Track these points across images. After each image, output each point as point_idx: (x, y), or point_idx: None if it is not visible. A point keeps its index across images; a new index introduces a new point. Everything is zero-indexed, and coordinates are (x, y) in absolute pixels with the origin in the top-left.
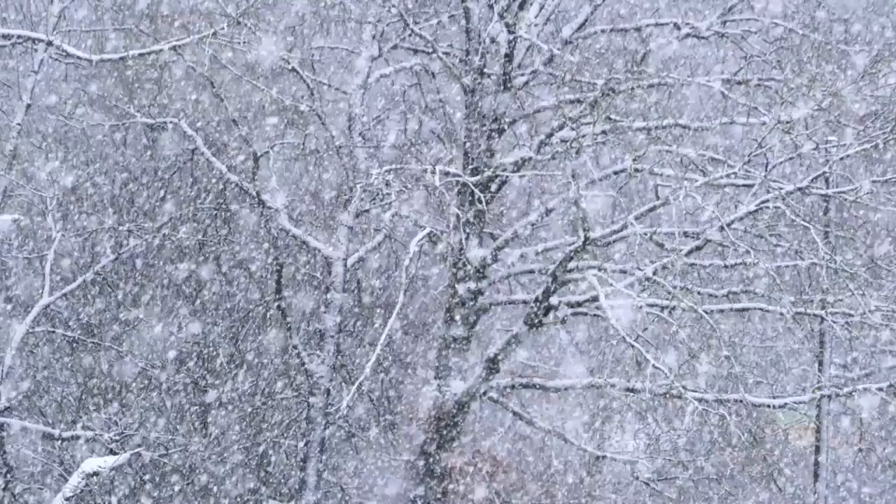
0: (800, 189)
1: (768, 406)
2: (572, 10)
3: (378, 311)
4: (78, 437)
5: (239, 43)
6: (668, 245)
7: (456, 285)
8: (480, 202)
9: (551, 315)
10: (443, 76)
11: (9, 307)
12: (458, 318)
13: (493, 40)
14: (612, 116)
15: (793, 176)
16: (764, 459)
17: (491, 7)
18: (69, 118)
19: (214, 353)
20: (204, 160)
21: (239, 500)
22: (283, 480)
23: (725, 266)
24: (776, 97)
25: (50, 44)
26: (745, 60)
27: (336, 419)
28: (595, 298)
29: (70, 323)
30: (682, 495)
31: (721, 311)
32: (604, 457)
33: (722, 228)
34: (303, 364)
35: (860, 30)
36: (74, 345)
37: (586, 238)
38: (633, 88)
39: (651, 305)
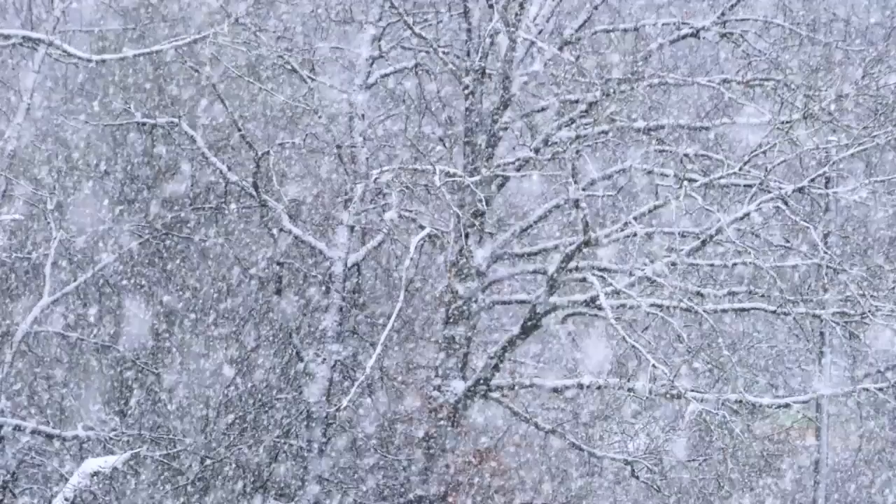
0: (800, 189)
1: (768, 406)
2: (573, 10)
3: (378, 310)
4: (78, 437)
5: (240, 43)
6: (669, 245)
7: (456, 285)
8: (480, 202)
9: (551, 315)
10: (443, 76)
11: (9, 307)
12: (458, 318)
13: (492, 40)
14: (613, 116)
15: (793, 176)
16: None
17: (491, 6)
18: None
19: (215, 353)
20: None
21: (239, 500)
22: (283, 480)
23: (725, 266)
24: (776, 97)
25: (50, 44)
26: (745, 60)
27: (336, 419)
28: (595, 298)
29: (70, 323)
30: (682, 495)
31: (721, 311)
32: (603, 457)
33: (722, 228)
34: (302, 363)
35: (860, 30)
36: (75, 345)
37: (586, 238)
38: (632, 88)
39: (651, 305)
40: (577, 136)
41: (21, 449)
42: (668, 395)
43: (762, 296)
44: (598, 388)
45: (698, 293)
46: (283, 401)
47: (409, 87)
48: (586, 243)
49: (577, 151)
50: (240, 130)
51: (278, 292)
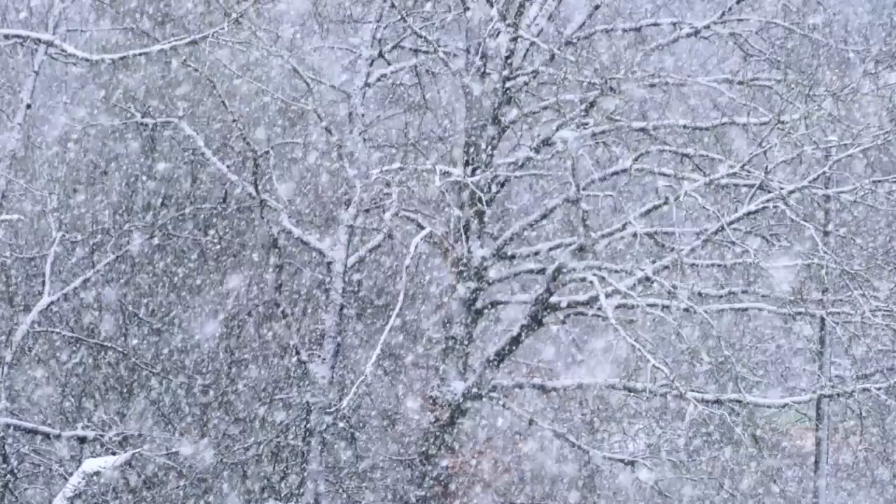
0: (800, 189)
1: (768, 406)
2: (573, 10)
3: (378, 310)
4: (78, 437)
5: (239, 43)
6: (669, 245)
7: (456, 285)
8: (480, 202)
9: (551, 315)
10: (443, 76)
11: (9, 307)
12: (457, 318)
13: (493, 40)
14: (612, 116)
15: (793, 176)
16: (764, 457)
17: (491, 5)
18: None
19: (215, 352)
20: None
21: (239, 500)
22: (283, 480)
23: (725, 266)
24: (776, 97)
25: (50, 44)
26: (745, 60)
27: (336, 419)
28: (595, 298)
29: (70, 323)
30: (682, 496)
31: (721, 310)
32: (604, 457)
33: (722, 228)
34: (303, 364)
35: (860, 30)
36: (75, 345)
37: (586, 238)
38: (632, 88)
39: (651, 305)
40: (577, 136)
41: (21, 449)
42: (668, 395)
43: (762, 296)
44: (598, 388)
45: (698, 293)
46: (282, 401)
47: (409, 87)
48: (586, 243)
49: (577, 151)
50: (240, 131)
51: (278, 292)
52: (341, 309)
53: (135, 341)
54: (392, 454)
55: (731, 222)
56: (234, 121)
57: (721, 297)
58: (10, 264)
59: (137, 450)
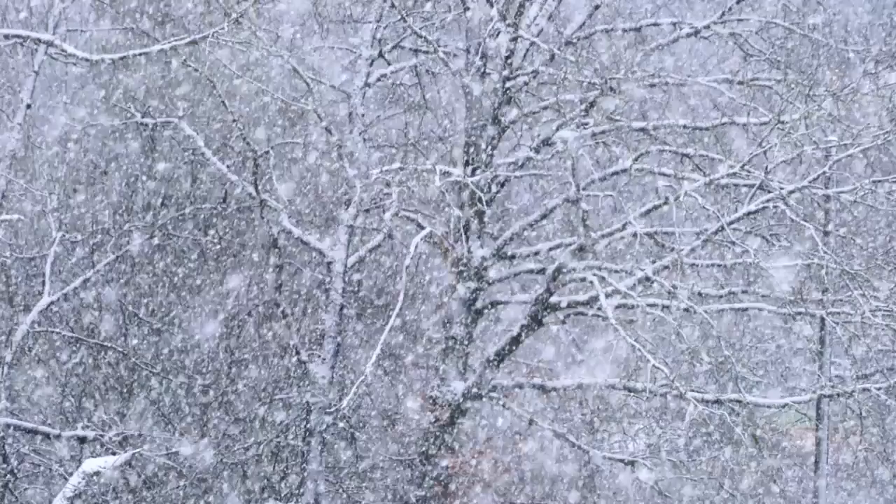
0: (800, 189)
1: (768, 406)
2: (573, 10)
3: (378, 310)
4: (78, 437)
5: (239, 43)
6: (669, 245)
7: (456, 285)
8: (480, 202)
9: (551, 315)
10: (443, 76)
11: (9, 307)
12: (457, 318)
13: (493, 40)
14: (612, 116)
15: (793, 176)
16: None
17: (491, 5)
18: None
19: (215, 352)
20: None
21: (239, 500)
22: (283, 480)
23: (725, 266)
24: (776, 97)
25: (50, 44)
26: (745, 60)
27: (336, 419)
28: (595, 298)
29: (70, 323)
30: (682, 496)
31: (721, 310)
32: (604, 457)
33: (722, 228)
34: (303, 364)
35: (860, 30)
36: (75, 345)
37: (586, 238)
38: (632, 88)
39: (651, 305)
40: (577, 136)
41: (21, 449)
42: (668, 395)
43: (762, 296)
44: (599, 388)
45: (698, 293)
46: (282, 401)
47: (409, 87)
48: (586, 243)
49: (577, 151)
50: (240, 131)
51: (278, 292)
52: (341, 309)
53: (135, 341)
54: (392, 454)
55: (731, 222)
56: (234, 121)
57: (721, 297)
58: (10, 264)
59: (137, 450)
